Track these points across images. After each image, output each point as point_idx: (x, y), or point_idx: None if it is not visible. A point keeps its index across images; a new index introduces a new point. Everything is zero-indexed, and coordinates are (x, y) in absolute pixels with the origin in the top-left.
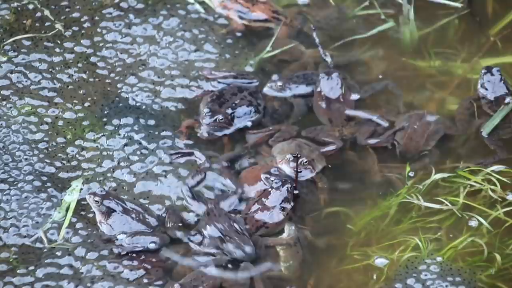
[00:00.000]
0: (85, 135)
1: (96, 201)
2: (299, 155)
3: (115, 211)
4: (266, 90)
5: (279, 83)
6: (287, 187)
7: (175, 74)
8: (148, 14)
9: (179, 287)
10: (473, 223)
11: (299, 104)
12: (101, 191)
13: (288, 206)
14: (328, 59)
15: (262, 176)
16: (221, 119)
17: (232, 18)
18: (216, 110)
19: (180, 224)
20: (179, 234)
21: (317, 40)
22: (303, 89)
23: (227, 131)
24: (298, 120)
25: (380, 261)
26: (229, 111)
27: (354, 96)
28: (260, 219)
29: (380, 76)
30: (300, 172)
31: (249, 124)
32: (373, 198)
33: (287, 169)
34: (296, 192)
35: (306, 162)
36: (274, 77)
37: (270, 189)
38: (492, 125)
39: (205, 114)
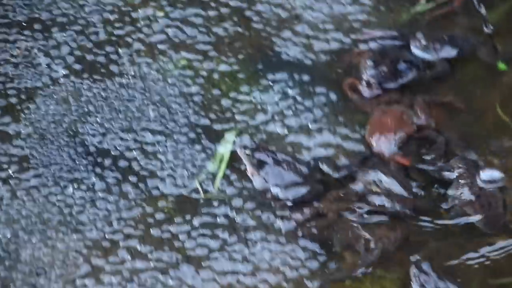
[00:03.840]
0: (240, 88)
1: (247, 154)
2: None
3: (266, 163)
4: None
5: (424, 42)
6: None
7: (329, 28)
8: None
9: None
10: None
11: (443, 66)
12: (252, 144)
13: None
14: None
15: None
16: (385, 71)
17: None
18: (379, 61)
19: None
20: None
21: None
22: (448, 51)
23: (392, 85)
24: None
25: None
26: (392, 64)
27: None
28: None
29: None
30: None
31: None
32: None
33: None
34: None
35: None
36: (419, 35)
37: None
38: None
39: (368, 66)
